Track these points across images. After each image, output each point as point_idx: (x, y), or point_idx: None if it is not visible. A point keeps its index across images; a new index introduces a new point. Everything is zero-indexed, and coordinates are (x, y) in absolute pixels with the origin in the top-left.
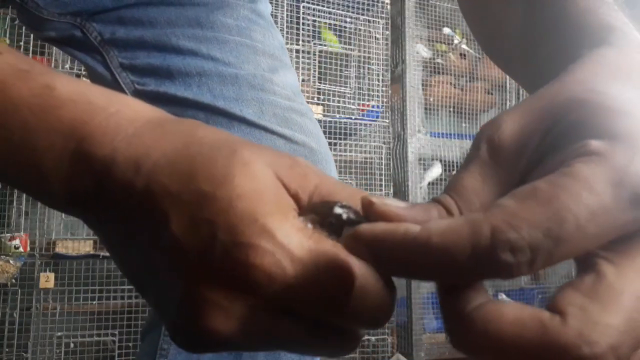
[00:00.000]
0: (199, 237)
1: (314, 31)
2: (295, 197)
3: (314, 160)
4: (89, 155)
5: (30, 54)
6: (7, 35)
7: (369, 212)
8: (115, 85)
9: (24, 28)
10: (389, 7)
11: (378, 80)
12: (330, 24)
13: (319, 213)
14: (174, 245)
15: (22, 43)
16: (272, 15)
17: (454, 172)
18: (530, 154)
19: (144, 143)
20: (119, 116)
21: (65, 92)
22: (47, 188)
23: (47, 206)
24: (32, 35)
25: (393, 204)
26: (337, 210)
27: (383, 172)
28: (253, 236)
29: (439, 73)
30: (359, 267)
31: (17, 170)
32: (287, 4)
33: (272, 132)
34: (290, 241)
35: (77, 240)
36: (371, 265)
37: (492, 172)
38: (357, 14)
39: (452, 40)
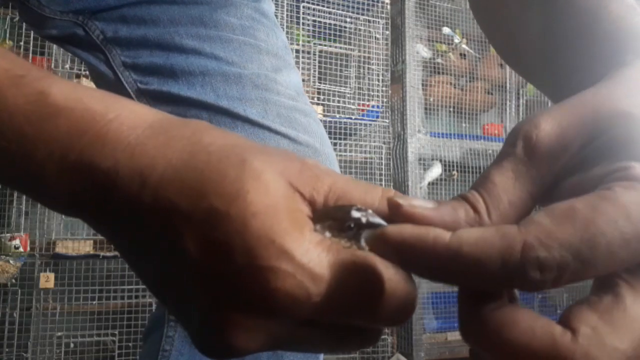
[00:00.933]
0: (216, 261)
1: (313, 31)
2: (311, 201)
3: (317, 160)
4: (90, 168)
5: (30, 54)
6: (7, 35)
7: (396, 214)
8: (117, 84)
9: (24, 28)
10: (389, 7)
11: (378, 80)
12: (327, 23)
13: (335, 218)
14: (191, 266)
15: (22, 43)
16: None
17: (454, 172)
18: (569, 158)
19: (148, 153)
20: (119, 122)
21: (61, 99)
22: (49, 197)
23: (53, 211)
24: (32, 35)
25: (420, 205)
26: (355, 214)
27: (383, 172)
28: (272, 258)
29: (439, 73)
30: (386, 274)
31: (17, 179)
32: (287, 4)
33: (276, 132)
34: (310, 259)
35: (77, 240)
36: (396, 266)
37: (526, 171)
38: (357, 14)
39: (452, 40)
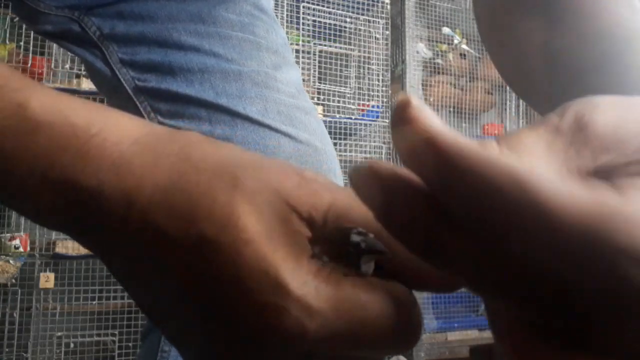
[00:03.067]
0: (208, 293)
1: (313, 31)
2: (309, 220)
3: (318, 159)
4: (73, 187)
5: (30, 54)
6: (7, 35)
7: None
8: (115, 82)
9: (24, 28)
10: (389, 7)
11: (378, 80)
12: (327, 23)
13: (334, 242)
14: (182, 298)
15: (22, 43)
16: None
17: None
18: (624, 158)
19: (134, 173)
20: (102, 138)
21: (40, 112)
22: (33, 213)
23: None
24: (32, 35)
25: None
26: (354, 238)
27: None
28: (265, 293)
29: (439, 73)
30: (383, 309)
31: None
32: (287, 4)
33: (276, 131)
34: (307, 293)
35: None
36: (402, 296)
37: (563, 147)
38: (357, 14)
39: (452, 40)
